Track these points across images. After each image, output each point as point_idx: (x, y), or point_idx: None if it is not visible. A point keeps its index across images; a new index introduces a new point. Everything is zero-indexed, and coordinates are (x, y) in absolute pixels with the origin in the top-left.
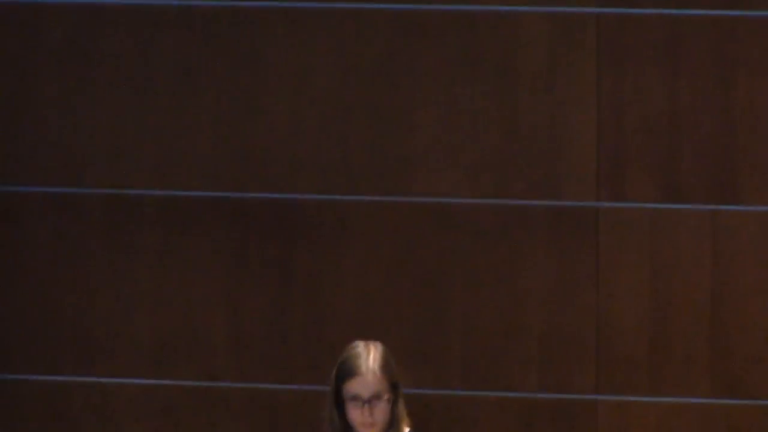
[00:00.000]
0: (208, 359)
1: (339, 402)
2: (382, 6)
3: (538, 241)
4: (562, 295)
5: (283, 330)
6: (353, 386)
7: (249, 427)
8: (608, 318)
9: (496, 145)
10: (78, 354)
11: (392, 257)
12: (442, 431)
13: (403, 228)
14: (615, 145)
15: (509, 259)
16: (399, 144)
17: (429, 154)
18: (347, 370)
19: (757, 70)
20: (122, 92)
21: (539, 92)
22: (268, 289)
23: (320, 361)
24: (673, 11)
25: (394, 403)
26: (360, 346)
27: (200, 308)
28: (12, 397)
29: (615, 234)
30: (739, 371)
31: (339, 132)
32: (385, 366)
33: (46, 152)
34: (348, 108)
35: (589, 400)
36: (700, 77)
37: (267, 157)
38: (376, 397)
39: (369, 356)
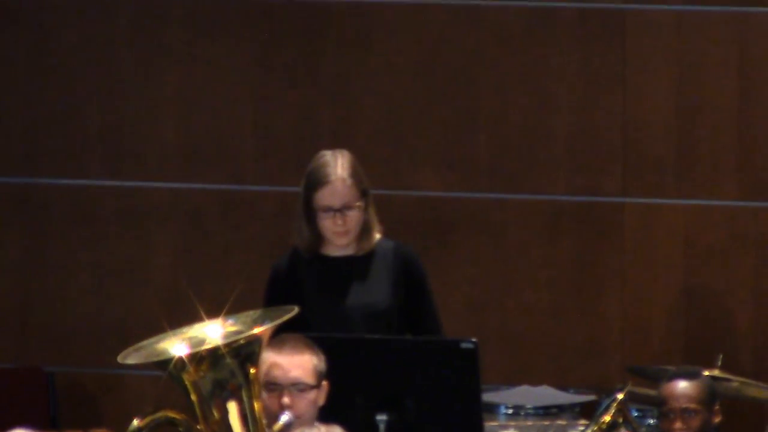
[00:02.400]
0: (235, 163)
1: (310, 213)
2: None
3: (565, 43)
4: (588, 97)
5: (310, 132)
6: (324, 196)
7: (275, 229)
8: (635, 121)
9: None
10: (106, 158)
11: (419, 59)
12: (470, 234)
13: (430, 30)
14: None
15: (536, 61)
16: None
17: None
18: (316, 180)
19: None
20: None
21: None
22: (295, 92)
23: None
24: None
25: (365, 211)
26: (327, 155)
27: (227, 111)
28: (41, 201)
29: (642, 36)
30: (765, 173)
31: None
32: (355, 173)
33: None
34: None
35: (616, 203)
36: None
37: None
38: (347, 205)
39: (337, 164)
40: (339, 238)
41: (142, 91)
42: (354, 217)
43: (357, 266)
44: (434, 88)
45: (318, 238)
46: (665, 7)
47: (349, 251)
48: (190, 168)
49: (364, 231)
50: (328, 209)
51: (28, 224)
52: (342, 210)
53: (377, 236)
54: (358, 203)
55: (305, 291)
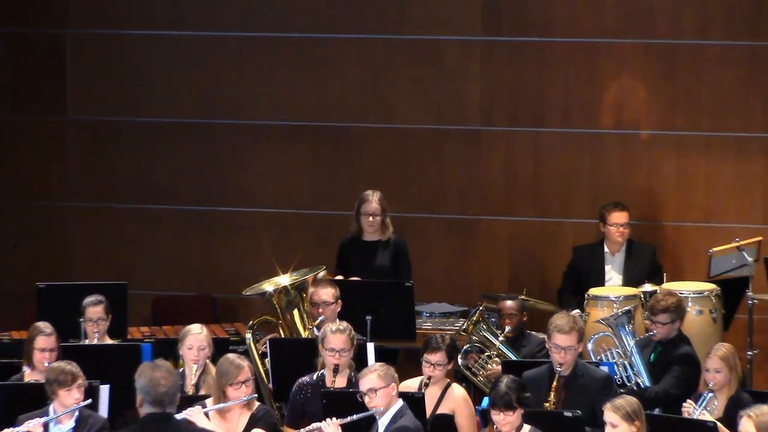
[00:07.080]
0: (299, 197)
1: (359, 216)
2: None
3: (448, 147)
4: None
5: (340, 184)
6: (365, 209)
7: (319, 231)
8: (493, 178)
9: (430, 107)
10: (234, 196)
11: (385, 151)
12: (411, 232)
13: (392, 137)
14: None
15: (434, 154)
16: (387, 102)
17: (405, 108)
18: (362, 201)
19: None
20: None
21: None
22: (329, 164)
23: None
24: None
25: (384, 216)
26: (369, 191)
27: (294, 173)
28: (207, 220)
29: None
30: (549, 203)
31: (360, 88)
32: (380, 200)
33: None
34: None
35: (481, 219)
36: None
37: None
38: (376, 213)
39: (373, 195)
40: (370, 229)
41: (252, 165)
42: (378, 220)
43: (380, 246)
44: (396, 169)
45: (360, 229)
46: (501, 128)
47: (375, 237)
48: (279, 200)
49: (383, 227)
50: (366, 214)
51: (205, 231)
52: (373, 215)
53: (391, 229)
54: (381, 212)
55: (352, 258)
